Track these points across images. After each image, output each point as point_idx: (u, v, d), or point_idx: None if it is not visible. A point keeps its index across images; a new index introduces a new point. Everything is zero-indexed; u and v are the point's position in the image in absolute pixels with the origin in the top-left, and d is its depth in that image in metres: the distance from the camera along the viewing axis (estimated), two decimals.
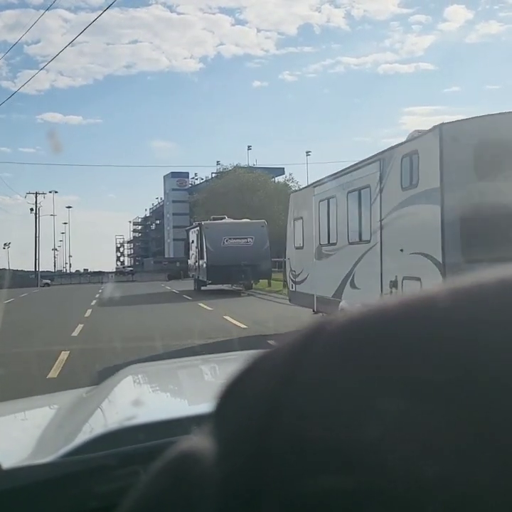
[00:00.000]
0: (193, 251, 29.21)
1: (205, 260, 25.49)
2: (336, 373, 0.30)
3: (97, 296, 25.18)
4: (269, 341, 7.72)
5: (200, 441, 0.34)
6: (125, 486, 0.79)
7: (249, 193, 56.17)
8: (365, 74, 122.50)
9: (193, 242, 29.51)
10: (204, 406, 1.01)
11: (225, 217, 28.83)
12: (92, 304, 21.08)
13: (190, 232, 30.77)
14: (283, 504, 0.28)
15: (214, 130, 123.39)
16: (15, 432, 1.52)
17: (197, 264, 27.56)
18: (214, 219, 28.50)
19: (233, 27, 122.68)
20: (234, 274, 24.11)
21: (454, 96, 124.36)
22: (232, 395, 0.34)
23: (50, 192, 76.71)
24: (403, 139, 8.00)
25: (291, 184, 60.95)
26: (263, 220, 27.46)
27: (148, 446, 0.92)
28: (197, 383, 1.93)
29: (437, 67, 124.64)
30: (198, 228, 27.71)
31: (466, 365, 0.27)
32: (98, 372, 6.75)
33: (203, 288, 26.22)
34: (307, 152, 68.64)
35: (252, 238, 25.80)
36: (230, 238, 25.52)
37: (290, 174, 70.28)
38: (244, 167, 64.29)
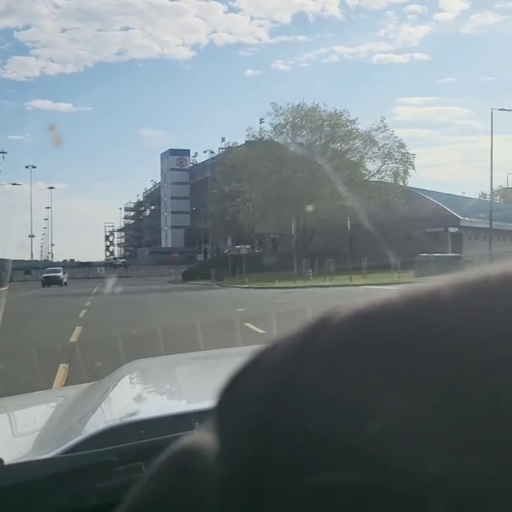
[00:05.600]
0: None
1: None
2: (338, 369, 0.30)
3: None
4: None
5: (202, 437, 0.34)
6: (127, 482, 0.79)
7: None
8: (359, 64, 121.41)
9: None
10: (206, 402, 1.01)
11: None
12: None
13: None
14: (285, 500, 0.28)
15: (206, 118, 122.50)
16: (17, 428, 1.53)
17: None
18: None
19: (226, 14, 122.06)
20: None
21: (448, 87, 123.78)
22: (234, 390, 0.34)
23: (27, 167, 69.18)
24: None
25: (382, 135, 43.56)
26: None
27: (150, 442, 0.92)
28: (199, 379, 1.93)
29: (432, 57, 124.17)
30: None
31: (470, 360, 0.27)
32: None
33: None
34: None
35: None
36: None
37: (382, 120, 45.60)
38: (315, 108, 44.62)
